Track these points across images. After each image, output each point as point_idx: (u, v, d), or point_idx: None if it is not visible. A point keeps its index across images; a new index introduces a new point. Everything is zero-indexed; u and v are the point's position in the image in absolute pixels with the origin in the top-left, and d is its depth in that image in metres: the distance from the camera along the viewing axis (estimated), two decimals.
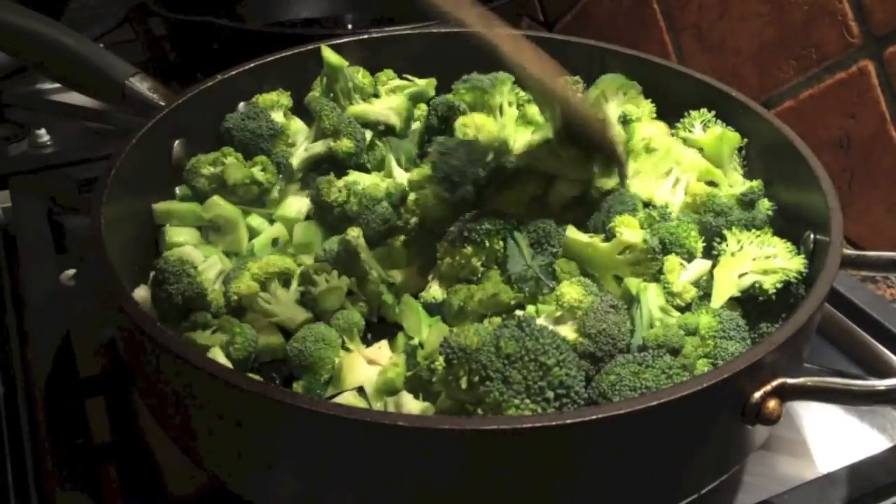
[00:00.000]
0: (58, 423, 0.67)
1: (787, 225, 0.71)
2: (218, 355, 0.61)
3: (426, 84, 0.88)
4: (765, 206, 0.73)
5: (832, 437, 0.72)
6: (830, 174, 0.68)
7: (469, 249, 0.64)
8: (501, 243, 0.65)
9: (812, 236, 0.66)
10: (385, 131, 0.84)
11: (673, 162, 0.75)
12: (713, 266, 0.68)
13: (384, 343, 0.64)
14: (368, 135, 0.84)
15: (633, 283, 0.63)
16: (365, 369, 0.61)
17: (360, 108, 0.84)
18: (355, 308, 0.67)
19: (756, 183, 0.73)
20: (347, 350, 0.64)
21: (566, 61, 0.88)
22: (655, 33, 1.19)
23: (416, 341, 0.64)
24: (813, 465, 0.70)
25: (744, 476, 0.68)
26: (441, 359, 0.56)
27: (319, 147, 0.79)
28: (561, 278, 0.65)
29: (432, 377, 0.57)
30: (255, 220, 0.75)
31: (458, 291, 0.62)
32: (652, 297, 0.62)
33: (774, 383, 0.52)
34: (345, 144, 0.78)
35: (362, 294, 0.68)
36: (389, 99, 0.85)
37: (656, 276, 0.66)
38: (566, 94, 0.68)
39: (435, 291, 0.67)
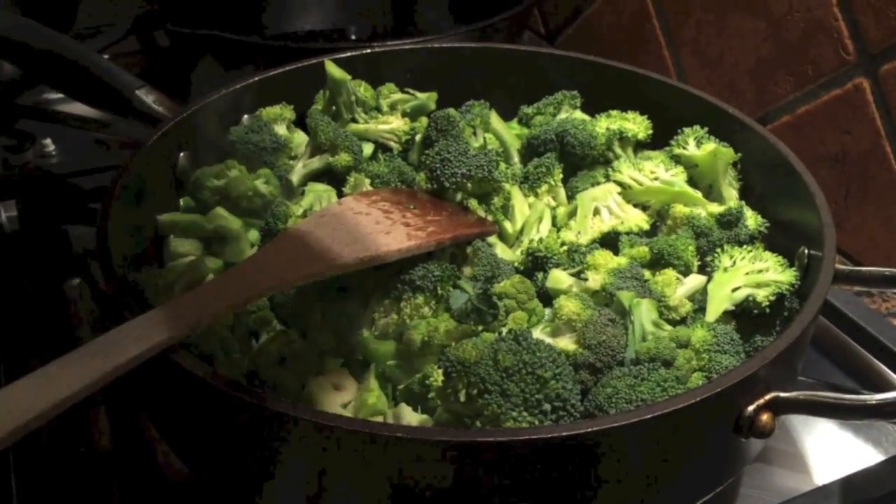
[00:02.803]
0: (60, 432, 0.68)
1: (782, 240, 0.72)
2: None
3: (427, 98, 0.89)
4: (756, 221, 0.74)
5: (829, 450, 0.73)
6: (826, 189, 0.69)
7: (420, 298, 0.64)
8: (450, 288, 0.66)
9: (806, 251, 0.67)
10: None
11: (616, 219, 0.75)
12: (707, 282, 0.69)
13: (344, 370, 0.65)
14: (370, 148, 0.85)
15: (625, 296, 0.64)
16: (333, 393, 0.61)
17: (361, 127, 0.85)
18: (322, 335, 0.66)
19: (735, 203, 0.75)
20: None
21: (567, 76, 0.90)
22: (655, 48, 1.20)
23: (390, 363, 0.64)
24: (809, 478, 0.70)
25: (740, 488, 0.69)
26: (437, 373, 0.57)
27: (317, 162, 0.81)
28: (507, 306, 0.65)
29: (426, 392, 0.58)
30: (255, 235, 0.76)
31: (418, 327, 0.62)
32: (644, 312, 0.63)
33: (767, 397, 0.53)
34: (343, 158, 0.79)
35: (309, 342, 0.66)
36: (391, 121, 0.86)
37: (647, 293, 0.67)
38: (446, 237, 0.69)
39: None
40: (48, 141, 1.10)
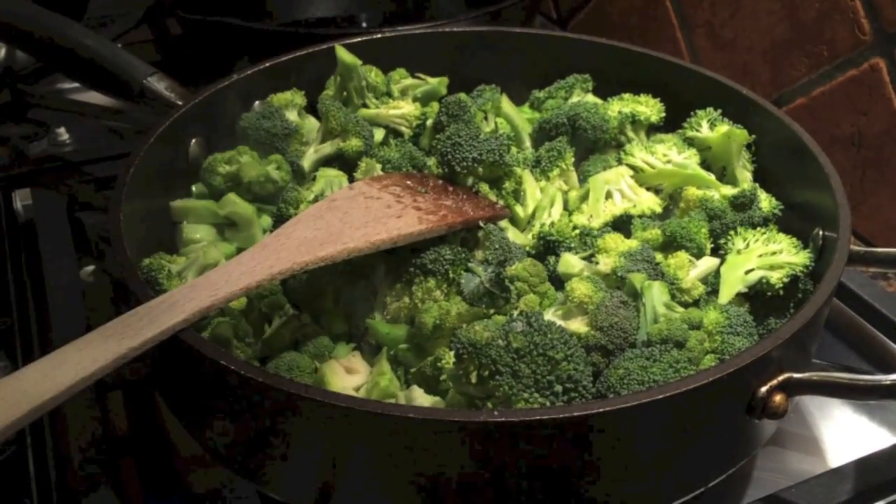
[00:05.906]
0: (78, 416, 0.69)
1: (797, 222, 0.71)
2: None
3: (438, 82, 0.88)
4: (771, 204, 0.73)
5: (843, 433, 0.73)
6: (842, 171, 0.68)
7: (432, 282, 0.64)
8: (461, 271, 0.65)
9: (821, 233, 0.67)
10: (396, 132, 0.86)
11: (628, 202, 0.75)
12: (720, 264, 0.68)
13: (356, 353, 0.65)
14: (381, 133, 0.85)
15: (637, 279, 0.64)
16: (346, 376, 0.62)
17: (372, 112, 0.85)
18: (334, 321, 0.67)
19: (749, 185, 0.74)
20: None
21: (578, 59, 0.90)
22: (668, 31, 1.19)
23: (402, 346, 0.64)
24: (823, 461, 0.70)
25: (754, 471, 0.69)
26: (448, 356, 0.57)
27: (329, 147, 0.81)
28: (519, 289, 0.65)
29: (437, 374, 0.58)
30: (267, 221, 0.76)
31: (430, 310, 0.61)
32: (656, 294, 0.63)
33: (780, 378, 0.53)
34: (354, 143, 0.79)
35: (321, 326, 0.67)
36: (402, 106, 0.86)
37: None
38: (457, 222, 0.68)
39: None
40: (62, 129, 1.11)
